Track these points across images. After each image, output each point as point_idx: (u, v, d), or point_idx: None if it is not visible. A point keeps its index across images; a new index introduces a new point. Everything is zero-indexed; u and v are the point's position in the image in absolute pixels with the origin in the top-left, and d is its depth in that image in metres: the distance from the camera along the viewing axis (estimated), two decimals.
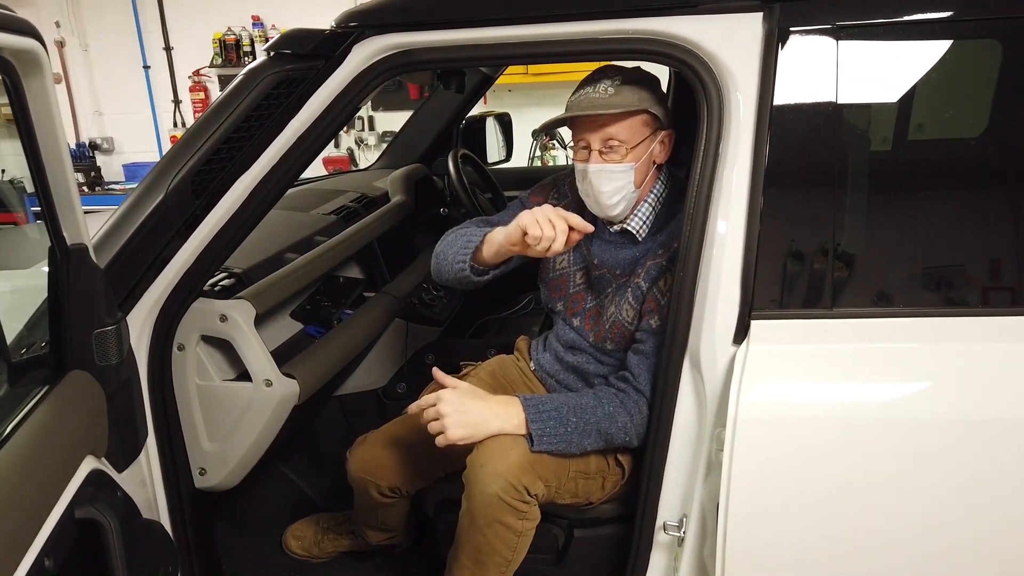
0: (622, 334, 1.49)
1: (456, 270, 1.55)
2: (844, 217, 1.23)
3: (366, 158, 5.79)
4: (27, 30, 0.89)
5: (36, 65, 0.93)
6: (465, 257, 1.52)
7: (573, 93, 1.45)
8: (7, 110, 0.96)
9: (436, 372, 1.48)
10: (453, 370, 1.82)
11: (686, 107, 1.48)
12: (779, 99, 1.20)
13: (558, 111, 1.52)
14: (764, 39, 1.20)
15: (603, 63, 1.47)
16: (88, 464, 1.12)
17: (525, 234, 1.34)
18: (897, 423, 1.18)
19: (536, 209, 1.35)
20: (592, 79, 1.42)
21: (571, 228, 1.34)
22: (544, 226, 1.33)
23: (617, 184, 1.41)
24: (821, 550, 1.24)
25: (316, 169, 2.50)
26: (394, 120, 5.64)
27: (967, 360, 1.20)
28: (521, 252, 1.42)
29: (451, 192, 2.60)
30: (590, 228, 1.39)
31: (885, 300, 1.23)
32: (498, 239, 1.45)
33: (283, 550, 1.96)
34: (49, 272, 1.14)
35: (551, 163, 5.13)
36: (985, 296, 1.22)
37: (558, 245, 1.33)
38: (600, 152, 1.40)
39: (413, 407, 1.44)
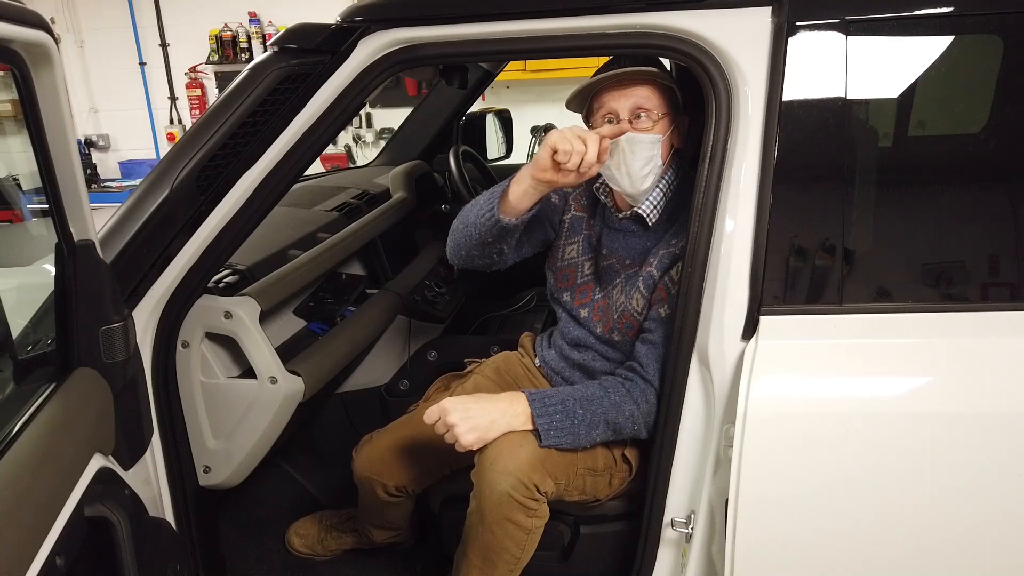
0: (630, 324, 1.49)
1: (481, 223, 1.46)
2: (853, 212, 1.22)
3: (364, 155, 5.76)
4: (37, 22, 0.88)
5: (46, 58, 0.92)
6: (492, 208, 1.44)
7: (591, 79, 1.45)
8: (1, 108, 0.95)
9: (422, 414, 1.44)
10: (456, 367, 1.82)
11: (689, 104, 1.48)
12: (788, 94, 1.20)
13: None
14: (773, 34, 1.20)
15: (609, 58, 1.47)
16: (96, 462, 1.11)
17: (555, 153, 1.28)
18: (907, 418, 1.18)
19: (563, 128, 1.30)
20: (611, 63, 1.45)
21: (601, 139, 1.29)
22: (574, 140, 1.27)
23: (648, 154, 1.40)
24: (831, 546, 1.24)
25: (314, 167, 2.48)
26: (392, 117, 5.61)
27: (978, 355, 1.20)
28: (551, 180, 1.34)
29: (452, 189, 2.60)
30: (627, 127, 1.38)
31: (895, 296, 1.23)
32: (525, 174, 1.38)
33: (286, 548, 1.96)
34: (56, 268, 1.13)
35: None
36: (998, 291, 1.22)
37: (591, 157, 1.28)
38: (629, 121, 1.41)
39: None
